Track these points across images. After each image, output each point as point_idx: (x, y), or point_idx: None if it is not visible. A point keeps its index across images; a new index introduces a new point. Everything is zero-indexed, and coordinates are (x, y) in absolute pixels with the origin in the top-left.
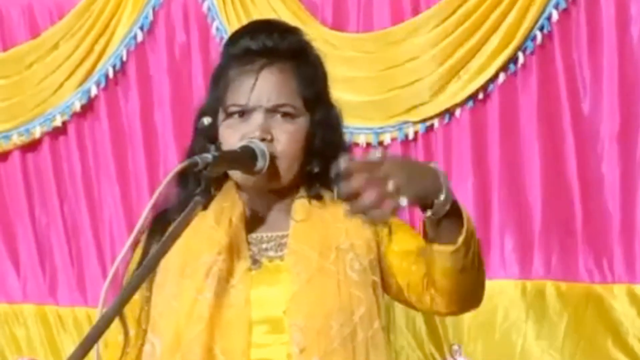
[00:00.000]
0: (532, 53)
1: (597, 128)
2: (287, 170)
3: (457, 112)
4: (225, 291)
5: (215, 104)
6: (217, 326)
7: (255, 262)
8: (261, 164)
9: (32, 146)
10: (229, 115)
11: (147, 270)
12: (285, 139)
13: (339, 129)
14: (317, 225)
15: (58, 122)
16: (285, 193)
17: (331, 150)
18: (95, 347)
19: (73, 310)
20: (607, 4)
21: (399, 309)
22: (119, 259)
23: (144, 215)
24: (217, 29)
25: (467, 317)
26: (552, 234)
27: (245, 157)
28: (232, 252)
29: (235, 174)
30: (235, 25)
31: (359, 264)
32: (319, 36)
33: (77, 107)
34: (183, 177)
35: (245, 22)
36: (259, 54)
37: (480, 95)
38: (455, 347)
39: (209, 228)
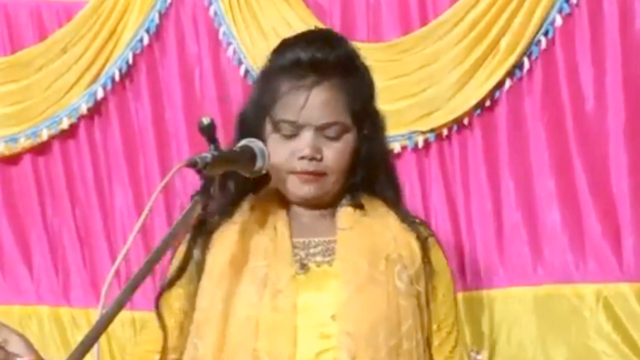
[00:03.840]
0: (536, 58)
1: (602, 129)
2: (334, 184)
3: (465, 120)
4: (272, 296)
5: (260, 113)
6: (264, 330)
7: (302, 266)
8: (260, 163)
9: (42, 150)
10: (278, 129)
11: (145, 271)
12: (334, 157)
13: (383, 137)
14: (364, 233)
15: (65, 125)
16: (329, 202)
17: (375, 159)
18: (95, 346)
19: (87, 311)
20: (610, 7)
21: None
22: (118, 261)
23: (143, 215)
24: (224, 33)
25: None
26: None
27: (244, 157)
28: (278, 257)
29: (281, 189)
30: (242, 30)
31: (407, 275)
32: None
33: (83, 109)
34: (223, 180)
35: (252, 27)
36: (308, 68)
37: (488, 102)
38: (473, 354)
39: (255, 234)
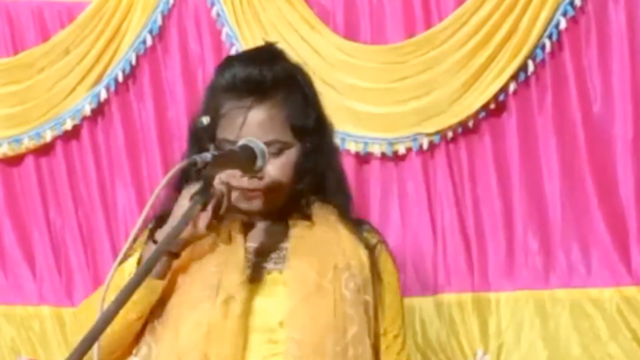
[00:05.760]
0: (541, 61)
1: (609, 132)
2: (278, 198)
3: (470, 123)
4: (223, 302)
5: (207, 130)
6: (215, 335)
7: (254, 272)
8: (260, 163)
9: (45, 150)
10: (221, 147)
11: (144, 271)
12: (275, 173)
13: (330, 147)
14: (316, 243)
15: (68, 126)
16: (280, 212)
17: (321, 170)
18: (94, 346)
19: None
20: (616, 10)
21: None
22: (118, 260)
23: (142, 216)
24: (227, 35)
25: None
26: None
27: (244, 157)
28: (231, 263)
29: (233, 199)
30: (245, 32)
31: (354, 284)
32: (331, 44)
33: (87, 111)
34: (183, 180)
35: (255, 28)
36: (245, 88)
37: (492, 105)
38: (480, 353)
39: (212, 241)
